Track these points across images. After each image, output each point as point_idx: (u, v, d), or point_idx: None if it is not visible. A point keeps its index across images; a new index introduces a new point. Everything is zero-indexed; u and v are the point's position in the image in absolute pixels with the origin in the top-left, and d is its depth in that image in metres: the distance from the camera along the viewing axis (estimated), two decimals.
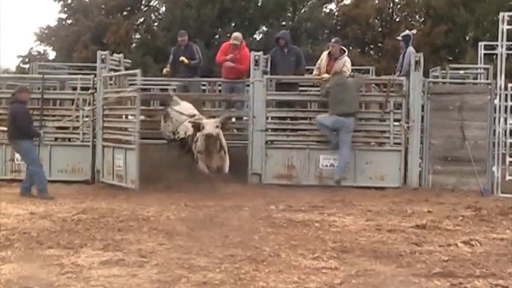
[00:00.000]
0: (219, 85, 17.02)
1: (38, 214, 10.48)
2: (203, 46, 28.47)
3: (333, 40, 16.03)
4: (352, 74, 15.14)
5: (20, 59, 35.70)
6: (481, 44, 17.70)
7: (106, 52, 15.44)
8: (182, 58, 16.02)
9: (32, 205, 11.26)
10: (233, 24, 32.18)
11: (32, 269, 7.28)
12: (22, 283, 6.75)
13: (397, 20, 34.68)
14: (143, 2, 35.92)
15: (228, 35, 23.00)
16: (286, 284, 6.93)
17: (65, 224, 9.67)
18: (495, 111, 14.60)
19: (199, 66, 16.38)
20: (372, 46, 34.93)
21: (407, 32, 16.36)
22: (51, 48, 35.92)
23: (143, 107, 15.30)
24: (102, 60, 15.12)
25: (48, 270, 7.23)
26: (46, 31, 35.78)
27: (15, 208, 11.01)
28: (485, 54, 17.44)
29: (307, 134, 15.01)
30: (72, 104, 15.71)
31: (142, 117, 15.21)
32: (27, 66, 32.11)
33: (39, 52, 35.89)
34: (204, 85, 17.58)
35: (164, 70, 16.57)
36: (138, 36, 35.02)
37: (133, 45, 34.04)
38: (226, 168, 13.77)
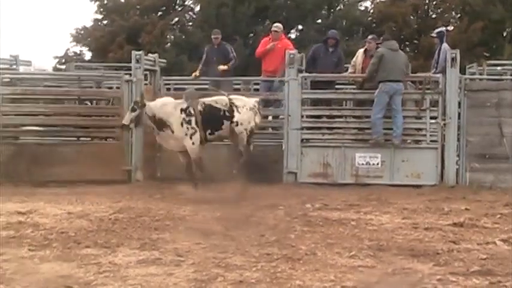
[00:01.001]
0: (254, 84, 17.01)
1: (76, 214, 10.54)
2: (241, 45, 28.56)
3: (369, 37, 15.99)
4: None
5: (57, 59, 36.00)
6: None
7: (141, 52, 15.49)
8: (222, 67, 15.93)
9: (69, 205, 11.32)
10: (268, 23, 32.17)
11: (69, 268, 7.32)
12: (60, 282, 6.79)
13: (433, 16, 34.46)
14: (178, 2, 36.06)
15: (263, 33, 22.99)
16: (322, 282, 6.90)
17: (102, 224, 9.72)
18: None
19: (234, 66, 16.26)
20: (407, 43, 34.73)
21: (441, 28, 16.25)
22: (87, 48, 36.21)
23: None
24: (137, 60, 15.16)
25: (86, 269, 7.27)
26: (82, 32, 36.06)
27: (53, 208, 11.08)
28: None
29: (342, 132, 14.96)
30: (108, 103, 15.91)
31: None
32: (63, 66, 32.40)
33: (75, 53, 36.22)
34: (238, 84, 17.57)
35: (193, 74, 16.51)
36: (172, 36, 35.15)
37: (168, 44, 34.14)
38: None
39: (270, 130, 16.04)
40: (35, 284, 6.71)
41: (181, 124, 13.20)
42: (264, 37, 16.98)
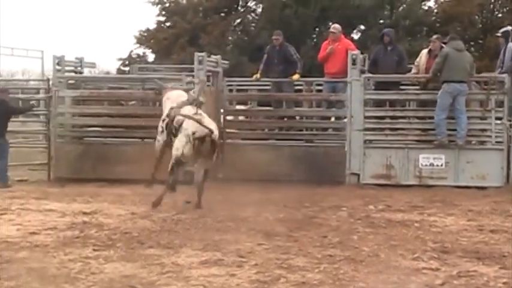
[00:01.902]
0: (317, 85, 16.96)
1: (139, 214, 10.63)
2: (308, 46, 28.54)
3: (434, 36, 15.83)
4: None
5: (120, 61, 36.38)
6: None
7: (203, 54, 15.54)
8: (296, 77, 15.90)
9: (132, 205, 11.43)
10: (330, 23, 32.08)
11: (133, 268, 7.38)
12: (124, 282, 6.85)
13: (499, 16, 33.96)
14: (240, 3, 36.14)
15: (324, 34, 22.96)
16: (385, 284, 6.86)
17: (165, 224, 9.79)
18: None
19: (299, 67, 16.11)
20: (472, 43, 34.25)
21: (506, 27, 15.99)
22: (150, 50, 36.50)
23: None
24: (200, 62, 15.21)
25: (149, 269, 7.32)
26: (145, 34, 36.37)
27: (117, 209, 11.20)
28: None
29: (405, 133, 14.84)
30: None
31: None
32: (127, 68, 32.74)
33: (138, 55, 36.52)
34: (300, 85, 17.54)
35: (254, 76, 16.51)
36: (234, 37, 35.25)
37: (230, 46, 34.25)
38: None
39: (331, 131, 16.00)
40: (100, 284, 6.78)
41: None
42: (324, 41, 16.91)
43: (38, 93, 16.43)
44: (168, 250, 8.18)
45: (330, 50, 15.79)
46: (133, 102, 16.62)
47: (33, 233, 9.31)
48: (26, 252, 8.23)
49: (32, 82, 17.01)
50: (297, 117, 16.28)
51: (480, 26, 34.08)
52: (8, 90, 15.53)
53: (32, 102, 15.51)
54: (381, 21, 33.26)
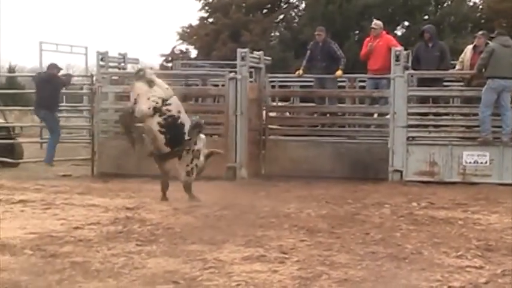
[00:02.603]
0: (360, 81, 16.90)
1: (181, 210, 10.67)
2: (352, 42, 28.41)
3: (479, 32, 15.68)
4: None
5: (163, 57, 36.52)
6: None
7: (246, 50, 15.54)
8: (339, 73, 15.86)
9: (175, 201, 11.47)
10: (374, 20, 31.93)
11: (175, 263, 7.41)
12: (167, 277, 6.88)
13: None
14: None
15: (367, 30, 22.81)
16: (429, 282, 6.80)
17: (207, 220, 9.81)
18: None
19: (342, 63, 16.04)
20: None
21: None
22: (193, 46, 36.59)
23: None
24: (242, 58, 15.21)
25: (192, 265, 7.34)
26: (188, 30, 36.46)
27: (159, 204, 11.26)
28: None
29: (449, 130, 14.73)
30: (214, 100, 16.16)
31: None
32: (169, 64, 32.88)
33: (181, 51, 36.59)
34: (343, 81, 17.50)
35: (296, 72, 16.48)
36: (277, 33, 35.22)
37: (272, 42, 34.23)
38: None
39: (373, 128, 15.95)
40: (142, 279, 6.82)
41: None
42: (366, 37, 16.85)
43: (81, 89, 16.59)
44: (210, 246, 8.19)
45: (370, 48, 15.77)
46: None
47: (77, 228, 9.39)
48: (70, 246, 8.30)
49: (76, 78, 17.14)
50: (340, 114, 16.25)
51: None
52: (57, 66, 16.17)
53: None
54: (426, 17, 33.01)
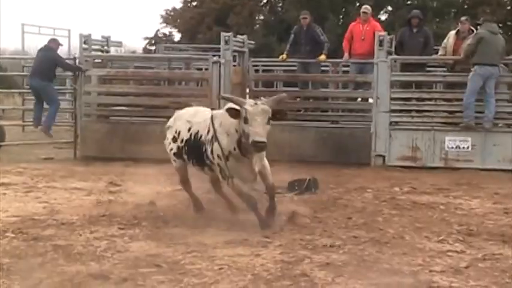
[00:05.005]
0: (343, 66, 16.89)
1: (164, 193, 10.67)
2: (335, 25, 28.36)
3: (463, 18, 15.65)
4: None
5: (147, 41, 36.37)
6: None
7: (230, 34, 15.50)
8: (322, 58, 15.83)
9: (158, 185, 11.46)
10: (358, 4, 31.88)
11: (158, 247, 7.43)
12: (149, 260, 6.89)
13: None
14: None
15: (351, 14, 22.86)
16: (410, 266, 6.85)
17: (190, 204, 9.78)
18: None
19: (326, 48, 16.02)
20: (501, 25, 33.82)
21: None
22: (177, 30, 36.42)
23: None
24: (226, 42, 15.17)
25: (174, 248, 7.36)
26: (172, 13, 36.30)
27: (141, 187, 11.24)
28: None
29: (432, 115, 14.76)
30: (198, 84, 16.13)
31: None
32: (153, 47, 32.75)
33: (164, 34, 36.44)
34: (327, 66, 17.49)
35: (280, 57, 16.44)
36: (261, 17, 35.10)
37: (257, 26, 34.12)
38: None
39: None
40: (125, 262, 6.83)
41: None
42: (351, 21, 16.82)
43: (64, 71, 16.51)
44: (193, 229, 8.20)
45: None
46: None
47: (59, 211, 9.39)
48: (52, 229, 8.30)
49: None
50: (323, 98, 16.24)
51: (509, 8, 33.66)
52: (57, 41, 16.24)
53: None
54: (409, 2, 33.00)
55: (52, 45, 15.81)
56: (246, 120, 8.09)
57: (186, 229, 8.23)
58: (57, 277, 6.34)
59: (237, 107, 8.22)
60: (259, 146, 8.07)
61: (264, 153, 8.58)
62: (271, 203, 8.68)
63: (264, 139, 8.07)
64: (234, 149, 8.41)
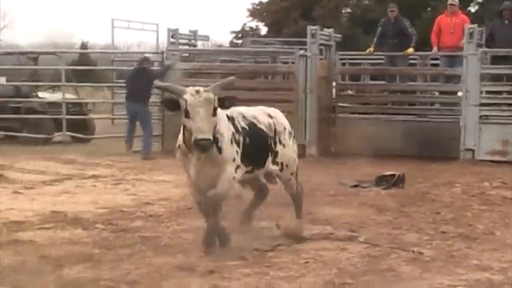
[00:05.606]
0: (432, 59, 16.67)
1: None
2: (426, 21, 27.99)
3: None
4: None
5: (233, 34, 36.56)
6: None
7: (316, 27, 15.44)
8: (410, 51, 15.66)
9: None
10: None
11: (245, 239, 7.40)
12: (235, 253, 6.88)
13: None
14: None
15: (439, 8, 22.47)
16: (500, 262, 6.71)
17: (276, 198, 9.72)
18: None
19: (414, 41, 15.81)
20: None
21: None
22: (263, 23, 36.52)
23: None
24: (313, 35, 15.11)
25: (261, 241, 7.35)
26: (258, 7, 36.39)
27: None
28: None
29: None
30: (284, 78, 16.12)
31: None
32: (239, 41, 32.90)
33: (251, 28, 36.59)
34: (415, 59, 17.28)
35: (367, 50, 16.31)
36: (348, 10, 34.92)
37: (343, 19, 33.96)
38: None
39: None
40: (211, 255, 6.85)
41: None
42: (439, 15, 16.56)
43: (152, 65, 16.67)
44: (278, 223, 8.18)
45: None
46: None
47: (147, 203, 9.51)
48: (140, 221, 8.41)
49: (146, 55, 17.26)
50: (410, 92, 16.06)
51: None
52: (149, 59, 16.00)
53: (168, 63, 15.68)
54: None
55: (146, 65, 15.53)
56: (187, 114, 6.77)
57: (272, 222, 8.21)
58: (145, 268, 6.41)
59: (176, 98, 7.02)
60: (201, 145, 6.62)
61: (224, 154, 6.97)
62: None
63: (207, 136, 6.62)
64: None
